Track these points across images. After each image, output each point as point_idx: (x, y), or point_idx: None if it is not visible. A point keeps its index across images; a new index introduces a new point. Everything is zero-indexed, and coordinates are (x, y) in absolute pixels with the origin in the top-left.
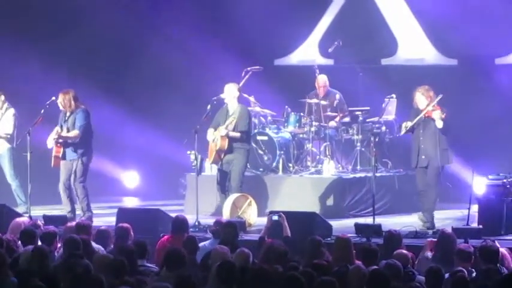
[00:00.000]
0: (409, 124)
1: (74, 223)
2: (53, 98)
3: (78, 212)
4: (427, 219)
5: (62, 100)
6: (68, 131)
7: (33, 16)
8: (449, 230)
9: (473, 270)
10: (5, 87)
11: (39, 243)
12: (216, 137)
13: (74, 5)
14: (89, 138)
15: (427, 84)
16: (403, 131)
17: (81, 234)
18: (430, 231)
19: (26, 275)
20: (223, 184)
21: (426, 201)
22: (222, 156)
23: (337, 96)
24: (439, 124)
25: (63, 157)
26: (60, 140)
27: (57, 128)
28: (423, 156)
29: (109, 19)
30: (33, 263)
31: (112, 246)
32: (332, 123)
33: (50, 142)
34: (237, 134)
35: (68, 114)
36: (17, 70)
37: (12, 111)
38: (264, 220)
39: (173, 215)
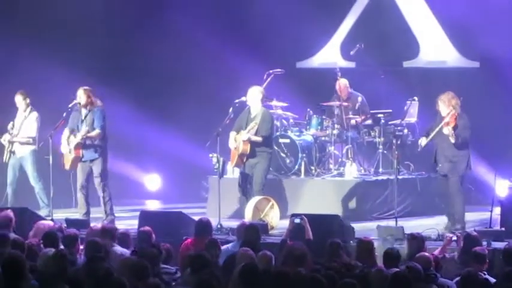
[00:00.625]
0: (424, 141)
1: (98, 226)
2: (75, 101)
3: (97, 215)
4: (452, 223)
5: (82, 95)
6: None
7: (54, 18)
8: (474, 232)
9: (485, 273)
10: (28, 90)
11: (62, 246)
12: (238, 141)
13: (92, 7)
14: (106, 138)
15: (449, 87)
16: (420, 148)
17: (106, 237)
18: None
19: (46, 278)
20: (245, 187)
21: (450, 207)
22: (244, 160)
23: (359, 98)
24: (451, 139)
25: (82, 158)
26: (83, 142)
27: (67, 131)
28: (441, 165)
29: (129, 22)
30: (53, 266)
31: (131, 248)
32: (352, 122)
33: (65, 147)
34: (259, 138)
35: (84, 112)
36: (39, 73)
37: (35, 114)
38: (286, 223)
39: (195, 217)
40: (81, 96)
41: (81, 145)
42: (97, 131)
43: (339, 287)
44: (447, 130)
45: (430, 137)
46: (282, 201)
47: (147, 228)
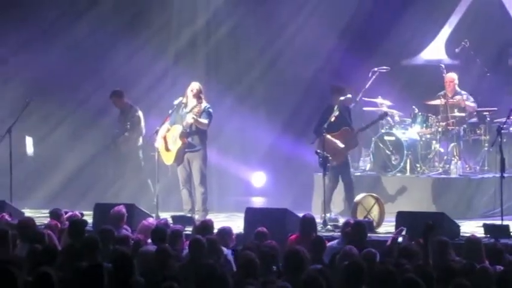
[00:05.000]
0: None
1: (200, 222)
2: (180, 98)
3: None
4: None
5: (194, 88)
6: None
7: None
8: None
9: None
10: (135, 86)
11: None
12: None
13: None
14: (207, 135)
15: None
16: None
17: (206, 233)
18: None
19: (151, 274)
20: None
21: None
22: None
23: (465, 96)
24: None
25: (187, 148)
26: (188, 130)
27: (165, 127)
28: None
29: (242, 25)
30: (157, 263)
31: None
32: (457, 119)
33: (160, 141)
34: None
35: (191, 105)
36: (149, 70)
37: (139, 111)
38: (391, 220)
39: (300, 214)
40: (193, 89)
41: (186, 134)
42: (205, 120)
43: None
44: None
45: None
46: (387, 199)
47: (262, 229)
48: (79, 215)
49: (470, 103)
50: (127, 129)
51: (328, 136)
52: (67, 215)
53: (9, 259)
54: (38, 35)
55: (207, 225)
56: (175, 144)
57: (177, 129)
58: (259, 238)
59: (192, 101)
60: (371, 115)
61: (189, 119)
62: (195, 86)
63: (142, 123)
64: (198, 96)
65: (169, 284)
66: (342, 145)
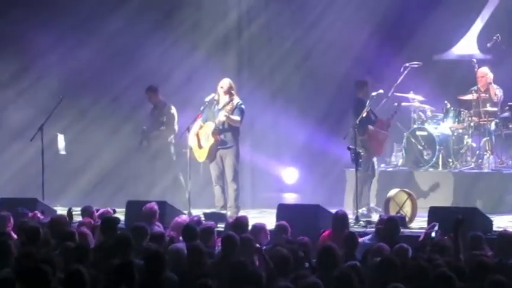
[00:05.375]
0: None
1: (234, 219)
2: (213, 94)
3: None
4: None
5: (224, 85)
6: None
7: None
8: None
9: None
10: (167, 82)
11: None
12: None
13: None
14: (240, 131)
15: None
16: None
17: (239, 230)
18: None
19: (183, 271)
20: None
21: None
22: None
23: (497, 91)
24: None
25: (220, 145)
26: (221, 127)
27: (198, 124)
28: None
29: (274, 20)
30: (189, 260)
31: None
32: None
33: (192, 138)
34: None
35: (223, 102)
36: (181, 66)
37: (173, 108)
38: (424, 215)
39: (332, 210)
40: (223, 85)
41: (219, 130)
42: (237, 117)
43: (488, 285)
44: None
45: None
46: (419, 194)
47: (283, 222)
48: (111, 211)
49: (503, 97)
50: (163, 123)
51: (373, 129)
52: (99, 212)
53: (41, 257)
54: (71, 31)
55: (241, 223)
56: (208, 142)
57: (210, 126)
58: (280, 232)
59: (223, 98)
60: (404, 110)
61: (222, 116)
62: (225, 82)
63: (176, 120)
64: (229, 92)
65: (203, 281)
66: (388, 134)
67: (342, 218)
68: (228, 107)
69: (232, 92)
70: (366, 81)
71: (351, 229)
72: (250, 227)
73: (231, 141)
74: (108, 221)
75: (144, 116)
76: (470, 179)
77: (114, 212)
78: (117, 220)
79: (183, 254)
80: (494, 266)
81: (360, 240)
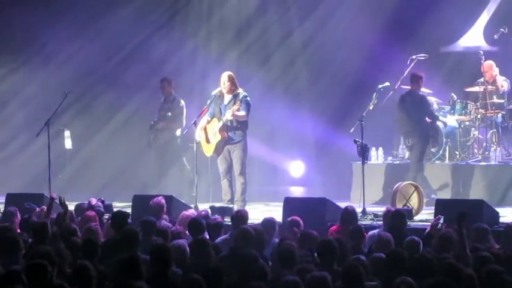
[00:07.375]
0: None
1: (235, 212)
2: (219, 88)
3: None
4: None
5: (226, 80)
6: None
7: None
8: None
9: None
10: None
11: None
12: None
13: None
14: (247, 125)
15: None
16: None
17: (240, 223)
18: None
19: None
20: None
21: None
22: None
23: (505, 83)
24: None
25: (227, 141)
26: (228, 124)
27: (205, 118)
28: None
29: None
30: (194, 254)
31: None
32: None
33: (199, 134)
34: None
35: (228, 98)
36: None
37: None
38: (431, 207)
39: (339, 203)
40: (225, 81)
41: (226, 127)
42: (243, 112)
43: (485, 274)
44: None
45: None
46: (426, 186)
47: (295, 217)
48: (100, 203)
49: (510, 89)
50: (168, 117)
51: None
52: (88, 204)
53: (47, 252)
54: (79, 27)
55: (242, 216)
56: (215, 137)
57: (217, 123)
58: (293, 226)
59: (227, 96)
60: None
61: (229, 116)
62: (224, 78)
63: (184, 115)
64: (231, 88)
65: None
66: None
67: (350, 214)
68: (235, 107)
69: (235, 86)
70: (421, 76)
71: (358, 222)
72: (261, 221)
73: (239, 136)
74: (118, 216)
75: (153, 111)
76: (477, 171)
77: (103, 202)
78: (127, 215)
79: (185, 250)
80: (497, 259)
81: (369, 233)
